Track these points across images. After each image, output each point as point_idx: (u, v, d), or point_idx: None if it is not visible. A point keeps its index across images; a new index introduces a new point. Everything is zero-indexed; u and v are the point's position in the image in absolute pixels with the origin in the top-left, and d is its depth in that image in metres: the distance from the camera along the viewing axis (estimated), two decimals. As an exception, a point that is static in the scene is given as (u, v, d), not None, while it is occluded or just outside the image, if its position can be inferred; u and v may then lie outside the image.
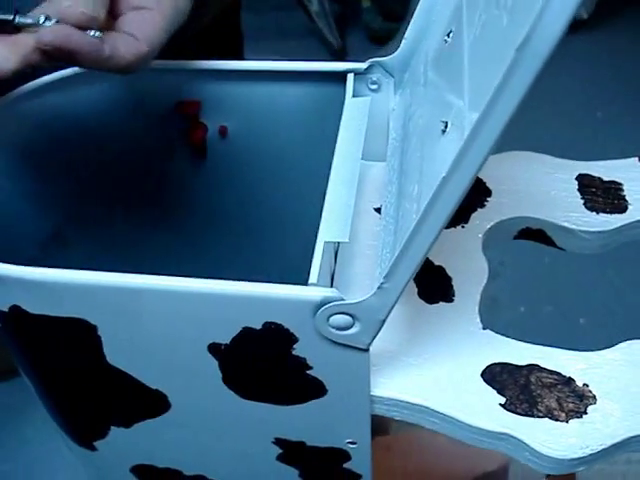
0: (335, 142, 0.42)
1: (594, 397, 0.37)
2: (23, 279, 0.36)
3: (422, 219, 0.30)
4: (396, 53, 0.46)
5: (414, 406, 0.38)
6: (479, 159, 0.28)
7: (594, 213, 0.47)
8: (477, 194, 0.48)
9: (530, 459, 0.36)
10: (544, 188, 0.48)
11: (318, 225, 0.37)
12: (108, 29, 0.40)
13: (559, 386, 0.38)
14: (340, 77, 0.46)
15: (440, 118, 0.34)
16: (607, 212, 0.47)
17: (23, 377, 0.45)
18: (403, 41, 0.45)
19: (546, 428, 0.36)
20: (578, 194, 0.48)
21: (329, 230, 0.36)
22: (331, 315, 0.34)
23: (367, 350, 0.36)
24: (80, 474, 0.53)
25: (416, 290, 0.42)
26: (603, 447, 0.36)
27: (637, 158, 0.50)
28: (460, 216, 0.46)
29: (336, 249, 0.44)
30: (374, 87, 0.47)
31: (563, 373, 0.38)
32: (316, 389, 0.38)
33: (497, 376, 0.38)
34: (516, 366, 0.38)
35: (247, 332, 0.36)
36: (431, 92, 0.39)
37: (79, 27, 0.38)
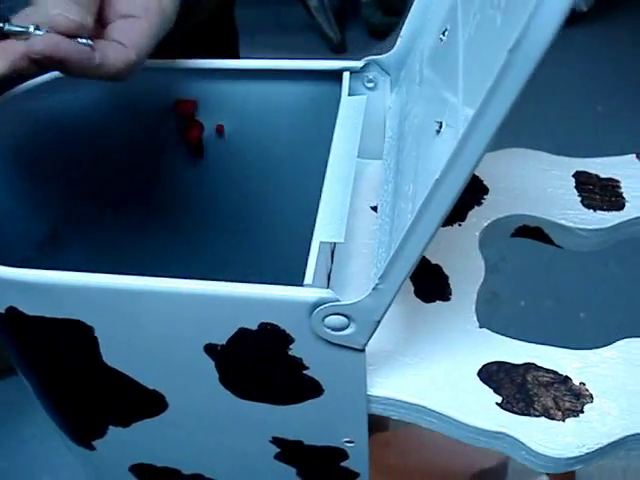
0: (331, 141, 0.42)
1: (591, 396, 0.37)
2: (19, 281, 0.36)
3: (416, 220, 0.30)
4: (392, 51, 0.46)
5: (411, 405, 0.38)
6: (473, 159, 0.28)
7: (591, 210, 0.47)
8: (474, 192, 0.48)
9: (527, 458, 0.37)
10: (541, 185, 0.48)
11: (314, 224, 0.37)
12: (97, 37, 0.40)
13: (556, 385, 0.38)
14: (336, 75, 0.46)
15: (435, 118, 0.34)
16: (604, 209, 0.47)
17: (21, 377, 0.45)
18: (399, 39, 0.45)
19: (543, 427, 0.36)
20: (575, 191, 0.48)
21: (324, 230, 0.36)
22: (326, 316, 0.34)
23: (363, 350, 0.36)
24: (79, 472, 0.53)
25: (412, 289, 0.42)
26: (600, 446, 0.36)
27: (634, 155, 0.50)
28: (457, 214, 0.46)
29: (333, 248, 0.44)
30: (370, 85, 0.47)
31: (559, 372, 0.38)
32: (312, 389, 0.38)
33: (493, 375, 0.38)
34: (512, 365, 0.38)
35: (243, 333, 0.36)
36: (426, 91, 0.39)
37: (67, 35, 0.38)
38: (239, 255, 0.56)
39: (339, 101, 0.45)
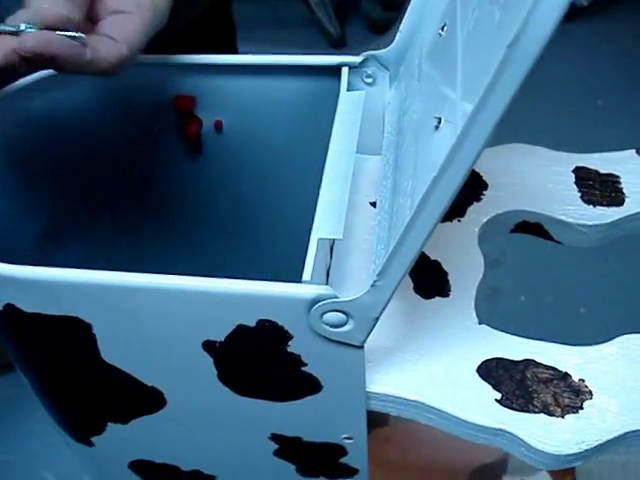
0: (330, 136, 0.42)
1: (590, 392, 0.37)
2: (16, 278, 0.36)
3: (415, 216, 0.30)
4: (391, 46, 0.45)
5: (410, 402, 0.38)
6: (472, 155, 0.28)
7: (591, 206, 0.47)
8: (473, 187, 0.48)
9: (526, 455, 0.36)
10: (541, 181, 0.48)
11: (313, 220, 0.37)
12: (88, 33, 0.40)
13: (555, 381, 0.38)
14: (335, 71, 0.46)
15: (433, 114, 0.34)
16: (604, 205, 0.47)
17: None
18: (398, 34, 0.45)
19: (542, 424, 0.36)
20: (575, 187, 0.48)
21: (323, 227, 0.36)
22: (325, 312, 0.34)
23: (361, 347, 0.35)
24: (79, 467, 0.53)
25: (412, 285, 0.42)
26: (599, 442, 0.36)
27: (634, 150, 0.50)
28: (456, 210, 0.46)
29: (332, 244, 0.44)
30: (369, 80, 0.46)
31: (559, 368, 0.38)
32: (311, 385, 0.38)
33: (493, 371, 0.38)
34: (512, 361, 0.38)
35: (241, 329, 0.36)
36: (425, 86, 0.39)
37: (56, 29, 0.38)
38: (237, 251, 0.56)
39: (338, 96, 0.44)
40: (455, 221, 0.46)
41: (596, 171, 0.49)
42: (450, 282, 0.42)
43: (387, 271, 0.32)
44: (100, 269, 0.36)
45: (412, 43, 0.44)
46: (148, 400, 0.42)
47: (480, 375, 0.38)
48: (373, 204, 0.46)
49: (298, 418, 0.41)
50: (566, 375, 0.38)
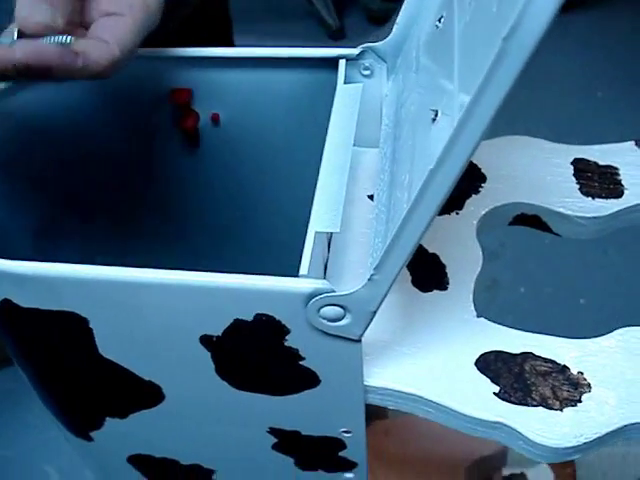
0: (327, 129, 0.41)
1: (589, 385, 0.37)
2: (13, 273, 0.36)
3: (412, 209, 0.30)
4: (388, 38, 0.45)
5: (408, 395, 0.38)
6: (468, 148, 0.27)
7: (590, 198, 0.46)
8: (471, 180, 0.47)
9: (524, 448, 0.36)
10: (539, 173, 0.48)
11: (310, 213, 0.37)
12: (80, 37, 0.40)
13: (554, 374, 0.37)
14: (332, 63, 0.46)
15: (430, 106, 0.34)
16: (603, 197, 0.46)
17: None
18: (395, 26, 0.45)
19: (540, 417, 0.36)
20: (574, 179, 0.47)
21: (320, 220, 0.36)
22: (322, 307, 0.33)
23: (359, 341, 0.35)
24: (80, 461, 0.53)
25: (410, 278, 0.42)
26: (598, 435, 0.36)
27: (633, 142, 0.49)
28: (454, 202, 0.46)
29: (329, 237, 0.44)
30: (367, 73, 0.46)
31: (558, 361, 0.38)
32: (309, 379, 0.38)
33: (491, 364, 0.38)
34: (510, 354, 0.38)
35: (238, 324, 0.35)
36: (422, 78, 0.39)
37: (37, 36, 0.38)
38: (235, 244, 0.55)
39: (335, 89, 0.44)
40: (453, 214, 0.46)
41: (595, 163, 0.48)
42: (448, 275, 0.42)
43: (384, 265, 0.32)
44: (96, 261, 0.35)
45: (409, 35, 0.44)
46: (146, 395, 0.42)
47: (478, 368, 0.38)
48: (371, 197, 0.46)
49: (296, 412, 0.41)
50: (565, 368, 0.38)
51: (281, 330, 0.35)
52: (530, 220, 0.47)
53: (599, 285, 1.30)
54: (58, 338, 0.39)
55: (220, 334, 0.36)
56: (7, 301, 0.37)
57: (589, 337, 0.39)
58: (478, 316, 0.40)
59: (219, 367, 0.39)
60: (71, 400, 0.45)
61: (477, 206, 0.46)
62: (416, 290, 0.42)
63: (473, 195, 0.47)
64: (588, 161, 0.48)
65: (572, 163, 0.48)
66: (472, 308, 0.40)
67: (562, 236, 0.47)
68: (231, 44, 0.75)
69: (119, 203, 0.53)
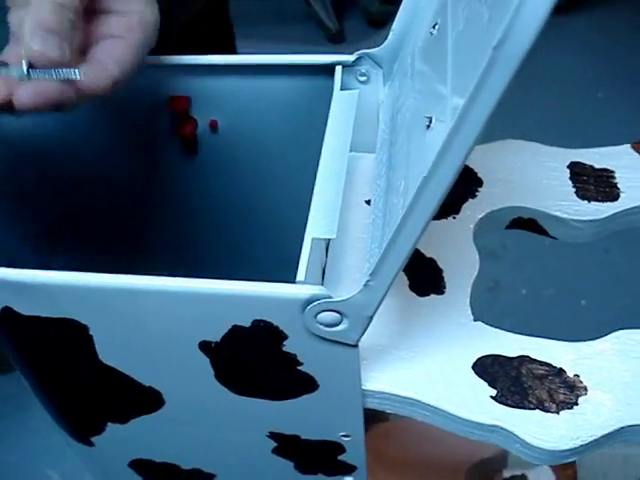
0: (324, 135, 0.42)
1: (585, 388, 0.37)
2: (13, 281, 0.36)
3: (406, 216, 0.30)
4: (384, 44, 0.45)
5: (405, 399, 0.38)
6: (461, 155, 0.28)
7: (585, 201, 0.47)
8: (468, 184, 0.48)
9: (521, 451, 0.37)
10: (536, 177, 0.48)
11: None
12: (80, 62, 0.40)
13: (550, 377, 0.38)
14: (329, 69, 0.46)
15: (425, 113, 0.34)
16: (599, 200, 0.47)
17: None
18: (391, 32, 0.45)
19: (537, 420, 0.36)
20: (570, 182, 0.48)
21: (317, 226, 0.36)
22: (319, 312, 0.34)
23: (356, 346, 0.36)
24: (82, 465, 0.53)
25: (407, 282, 0.42)
26: (594, 438, 0.36)
27: (629, 145, 0.50)
28: (451, 207, 0.46)
29: (327, 242, 0.44)
30: (363, 79, 0.47)
31: (554, 364, 0.38)
32: (307, 384, 0.38)
33: (488, 368, 0.38)
34: (507, 358, 0.39)
35: (237, 330, 0.36)
36: (418, 84, 0.39)
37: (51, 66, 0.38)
38: (233, 250, 0.56)
39: (332, 95, 0.45)
40: (450, 218, 0.46)
41: (591, 166, 0.49)
42: (445, 279, 0.42)
43: (379, 271, 0.32)
44: (95, 269, 0.36)
45: (405, 41, 0.45)
46: (146, 400, 0.42)
47: (475, 372, 0.38)
48: (368, 202, 0.46)
49: (295, 416, 0.41)
50: (561, 371, 0.38)
51: (279, 336, 0.36)
52: (527, 224, 0.48)
53: (600, 286, 1.30)
54: (59, 345, 0.40)
55: (219, 340, 0.37)
56: (8, 309, 0.38)
57: (590, 339, 0.39)
58: (476, 319, 0.40)
59: (218, 373, 0.39)
60: (72, 406, 0.45)
61: (474, 210, 0.46)
62: (413, 294, 0.42)
63: (470, 199, 0.47)
64: (584, 164, 0.49)
65: (568, 167, 0.49)
66: (469, 312, 0.41)
67: (558, 239, 0.48)
68: (233, 48, 0.75)
69: (117, 210, 0.54)
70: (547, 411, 0.37)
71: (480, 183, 0.48)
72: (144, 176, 0.53)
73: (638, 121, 1.51)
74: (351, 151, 0.45)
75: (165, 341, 0.38)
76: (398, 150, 0.39)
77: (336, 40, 1.94)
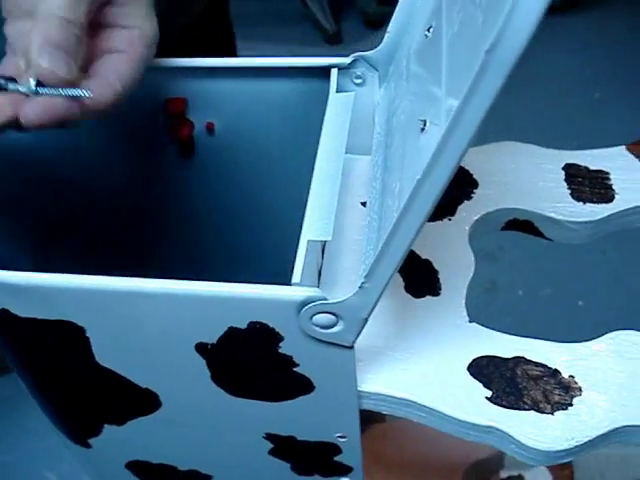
0: (320, 137, 0.42)
1: (580, 389, 0.37)
2: (10, 283, 0.36)
3: (400, 218, 0.30)
4: (380, 47, 0.46)
5: (401, 400, 0.38)
6: (454, 158, 0.28)
7: (581, 203, 0.47)
8: (464, 186, 0.48)
9: (516, 451, 0.37)
10: (531, 179, 0.48)
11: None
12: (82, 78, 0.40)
13: (545, 378, 0.38)
14: (325, 72, 0.46)
15: (420, 115, 0.34)
16: (594, 202, 0.47)
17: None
18: (386, 35, 0.45)
19: (532, 420, 0.36)
20: (565, 184, 0.48)
21: (312, 228, 0.36)
22: (314, 314, 0.34)
23: (352, 347, 0.36)
24: (79, 467, 0.53)
25: (403, 284, 0.43)
26: (589, 439, 0.36)
27: (624, 147, 0.50)
28: (447, 208, 0.47)
29: (323, 244, 0.44)
30: (359, 81, 0.47)
31: (549, 365, 0.38)
32: (303, 386, 0.38)
33: (483, 369, 0.38)
34: (502, 359, 0.39)
35: (233, 332, 0.36)
36: (413, 86, 0.39)
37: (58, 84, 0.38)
38: (230, 252, 0.56)
39: (328, 97, 0.45)
40: (446, 220, 0.46)
41: (586, 168, 0.49)
42: (441, 281, 0.43)
43: (374, 273, 0.32)
44: (92, 271, 0.36)
45: (400, 44, 0.45)
46: (143, 402, 0.42)
47: (471, 373, 0.38)
48: (364, 204, 0.47)
49: (292, 418, 0.41)
50: (556, 372, 0.38)
51: (275, 337, 0.36)
52: (522, 225, 0.48)
53: (597, 287, 1.31)
54: (55, 347, 0.40)
55: (215, 342, 0.37)
56: (5, 311, 0.38)
57: (588, 339, 0.40)
58: (473, 320, 0.41)
59: (215, 374, 0.39)
60: (69, 407, 0.45)
61: (469, 212, 0.47)
62: (409, 296, 0.42)
63: (465, 201, 0.47)
64: (579, 166, 0.49)
65: (563, 168, 0.49)
66: (464, 313, 0.41)
67: (554, 241, 0.48)
68: (233, 49, 0.75)
69: (114, 212, 0.54)
70: (542, 412, 0.37)
71: (475, 185, 0.48)
72: (140, 177, 0.53)
73: (635, 121, 1.52)
74: (347, 153, 0.46)
75: (161, 343, 0.38)
76: (393, 152, 0.39)
77: (333, 41, 1.94)
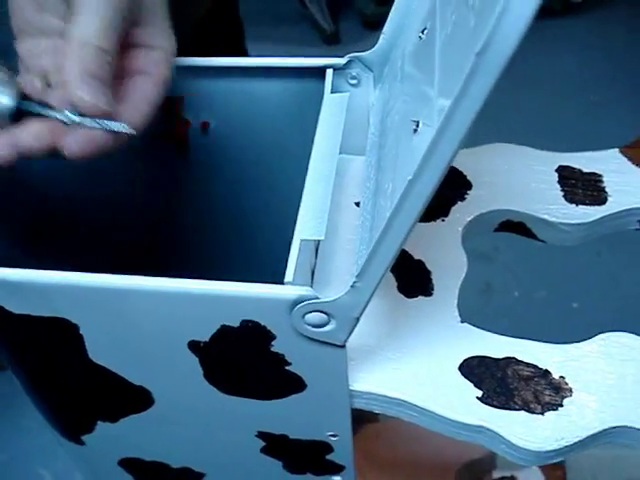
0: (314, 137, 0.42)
1: (570, 390, 0.38)
2: (4, 280, 0.36)
3: (392, 218, 0.30)
4: (375, 48, 0.46)
5: (392, 400, 0.38)
6: (445, 159, 0.28)
7: (574, 205, 0.47)
8: (457, 187, 0.48)
9: (507, 451, 0.37)
10: (524, 180, 0.48)
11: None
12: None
13: (536, 379, 0.38)
14: (320, 72, 0.47)
15: (413, 117, 0.34)
16: (586, 204, 0.47)
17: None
18: (382, 36, 0.45)
19: (522, 421, 0.37)
20: (558, 186, 0.48)
21: (305, 228, 0.37)
22: (306, 313, 0.34)
23: (344, 346, 0.36)
24: (73, 464, 0.53)
25: (396, 284, 0.43)
26: (579, 439, 0.36)
27: (617, 149, 0.50)
28: (440, 209, 0.47)
29: (317, 244, 0.45)
30: (354, 82, 0.47)
31: (540, 366, 0.39)
32: (295, 384, 0.39)
33: (474, 369, 0.39)
34: (493, 359, 0.39)
35: (225, 330, 0.36)
36: (407, 88, 0.39)
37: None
38: (224, 251, 0.56)
39: (323, 98, 0.45)
40: (439, 221, 0.46)
41: (579, 170, 0.49)
42: (433, 281, 0.43)
43: (366, 272, 0.32)
44: (87, 268, 0.36)
45: (395, 45, 0.45)
46: (136, 399, 0.42)
47: (462, 373, 0.38)
48: (358, 204, 0.47)
49: (284, 416, 0.41)
50: (547, 372, 0.38)
51: (267, 336, 0.36)
52: (515, 227, 0.48)
53: (592, 289, 1.31)
54: (49, 344, 0.40)
55: (207, 340, 0.37)
56: (0, 308, 0.38)
57: (582, 341, 0.40)
58: (468, 321, 0.41)
59: (207, 372, 0.39)
60: (63, 404, 0.45)
61: (462, 213, 0.47)
62: (401, 296, 0.42)
63: (458, 202, 0.47)
64: (572, 168, 0.49)
65: (556, 170, 0.49)
66: (456, 314, 0.41)
67: (547, 242, 0.48)
68: (243, 47, 0.75)
69: (108, 207, 0.54)
70: (532, 412, 0.37)
71: (469, 186, 0.48)
72: (135, 175, 0.53)
73: (632, 124, 1.52)
74: (341, 153, 0.46)
75: (155, 340, 0.38)
76: (387, 153, 0.40)
77: (331, 41, 1.94)
